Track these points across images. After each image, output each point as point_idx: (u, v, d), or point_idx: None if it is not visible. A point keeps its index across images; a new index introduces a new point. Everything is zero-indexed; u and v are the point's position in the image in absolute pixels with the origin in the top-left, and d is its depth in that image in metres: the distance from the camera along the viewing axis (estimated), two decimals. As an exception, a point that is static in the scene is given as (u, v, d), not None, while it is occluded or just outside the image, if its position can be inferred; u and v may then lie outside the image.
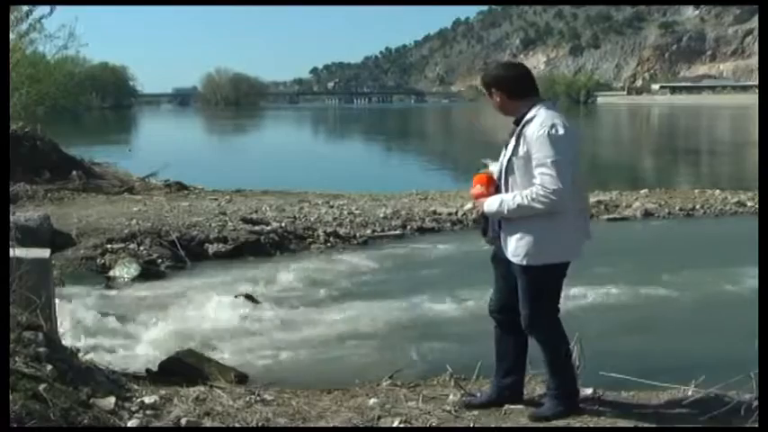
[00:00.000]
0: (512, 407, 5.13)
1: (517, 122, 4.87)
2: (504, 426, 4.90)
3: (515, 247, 4.86)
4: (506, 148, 4.90)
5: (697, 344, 8.17)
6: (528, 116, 4.81)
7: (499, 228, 4.96)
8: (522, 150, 4.74)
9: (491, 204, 4.88)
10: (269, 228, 13.83)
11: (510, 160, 4.81)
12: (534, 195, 4.69)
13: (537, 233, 4.79)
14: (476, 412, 5.12)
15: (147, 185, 20.40)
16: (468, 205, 15.69)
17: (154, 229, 13.08)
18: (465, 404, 5.26)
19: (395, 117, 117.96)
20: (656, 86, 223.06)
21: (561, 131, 4.68)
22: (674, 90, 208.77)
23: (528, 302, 4.94)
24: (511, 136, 4.87)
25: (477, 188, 4.98)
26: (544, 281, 4.88)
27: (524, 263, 4.85)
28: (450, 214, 15.74)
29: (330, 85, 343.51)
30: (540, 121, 4.75)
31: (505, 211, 4.82)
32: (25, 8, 23.85)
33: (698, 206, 17.47)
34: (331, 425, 4.90)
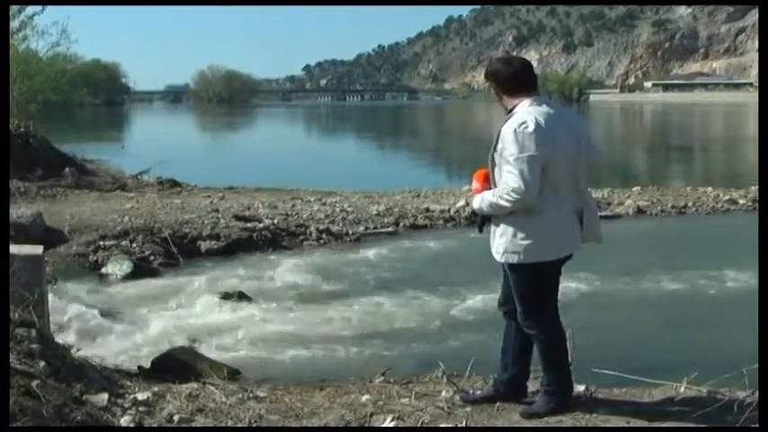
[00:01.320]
0: (505, 403, 5.12)
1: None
2: (496, 423, 4.90)
3: (497, 245, 4.87)
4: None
5: (689, 341, 8.20)
6: (512, 112, 4.81)
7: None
8: (499, 147, 4.73)
9: (476, 201, 4.91)
10: (261, 225, 13.84)
11: (492, 157, 4.79)
12: (500, 193, 4.70)
13: (515, 231, 4.79)
14: (468, 409, 5.10)
15: (139, 183, 20.39)
16: (461, 202, 15.71)
17: (146, 226, 13.08)
18: (461, 399, 5.23)
19: (387, 114, 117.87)
20: (648, 84, 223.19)
21: (530, 128, 4.62)
22: (666, 88, 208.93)
23: (517, 299, 4.94)
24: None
25: (474, 184, 4.96)
26: (529, 279, 4.86)
27: (503, 260, 4.87)
28: (442, 211, 15.75)
29: (323, 82, 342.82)
30: (515, 117, 4.73)
31: (484, 209, 4.85)
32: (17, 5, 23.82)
33: (690, 204, 17.51)
34: (324, 422, 4.90)
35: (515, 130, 4.63)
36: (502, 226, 4.83)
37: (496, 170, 4.78)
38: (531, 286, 4.89)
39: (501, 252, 4.85)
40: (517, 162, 4.61)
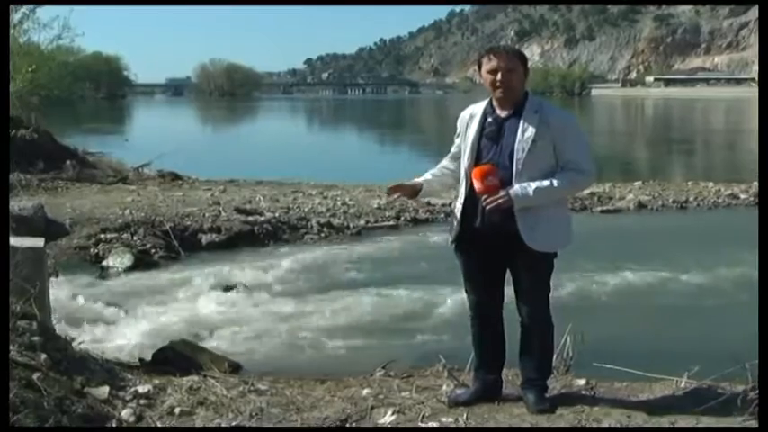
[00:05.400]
0: (503, 399, 5.10)
1: (512, 107, 4.77)
2: (497, 416, 4.89)
3: (544, 235, 4.71)
4: (509, 132, 4.72)
5: (690, 335, 8.18)
6: (533, 103, 4.76)
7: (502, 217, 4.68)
8: (547, 136, 4.63)
9: (520, 198, 4.61)
10: (262, 218, 13.83)
11: (533, 145, 4.62)
12: (574, 178, 4.73)
13: (558, 218, 4.82)
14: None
15: (140, 175, 20.35)
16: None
17: (147, 218, 13.07)
18: (452, 402, 5.08)
19: (389, 108, 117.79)
20: (650, 79, 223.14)
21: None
22: (668, 83, 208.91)
23: (540, 291, 4.87)
24: (503, 121, 4.77)
25: (491, 180, 4.62)
26: (551, 267, 4.87)
27: (548, 249, 4.78)
28: (443, 205, 15.69)
29: (324, 76, 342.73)
30: (560, 111, 4.87)
31: (543, 200, 4.64)
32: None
33: (691, 198, 17.50)
34: (324, 415, 4.90)
35: (572, 118, 4.90)
36: (549, 213, 4.72)
37: (536, 158, 4.65)
38: (551, 275, 4.88)
39: (547, 240, 4.73)
40: (587, 147, 4.87)
